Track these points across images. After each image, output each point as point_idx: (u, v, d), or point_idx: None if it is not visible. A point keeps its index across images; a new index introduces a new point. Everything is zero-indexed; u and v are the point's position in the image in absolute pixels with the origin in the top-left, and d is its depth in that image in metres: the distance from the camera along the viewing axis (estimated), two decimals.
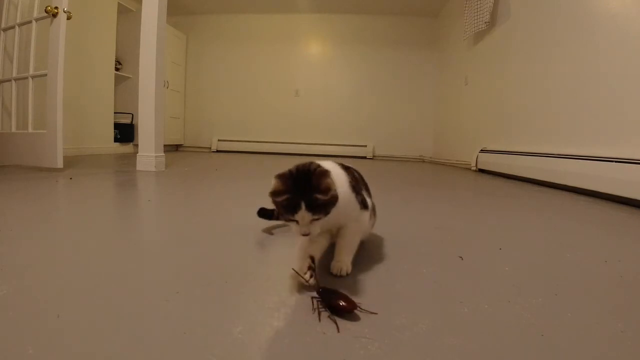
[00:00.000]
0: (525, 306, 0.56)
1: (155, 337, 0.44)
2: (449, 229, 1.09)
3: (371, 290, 0.60)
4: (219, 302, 0.54)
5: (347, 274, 0.65)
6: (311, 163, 0.60)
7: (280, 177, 0.56)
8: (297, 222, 0.56)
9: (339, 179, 0.62)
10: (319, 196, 0.54)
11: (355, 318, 0.50)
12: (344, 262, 0.66)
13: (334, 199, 0.56)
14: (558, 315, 0.54)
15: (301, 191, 0.55)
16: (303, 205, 0.54)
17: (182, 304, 0.53)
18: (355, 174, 0.74)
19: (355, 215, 0.65)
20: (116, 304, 0.52)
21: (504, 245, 0.92)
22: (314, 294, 0.54)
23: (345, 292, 0.54)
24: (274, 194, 0.56)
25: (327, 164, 0.65)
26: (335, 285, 0.57)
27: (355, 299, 0.52)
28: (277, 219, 0.99)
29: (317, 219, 0.56)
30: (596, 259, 0.83)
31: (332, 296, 0.51)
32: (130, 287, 0.59)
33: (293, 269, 0.61)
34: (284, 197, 0.55)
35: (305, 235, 0.57)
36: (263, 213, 0.98)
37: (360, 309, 0.50)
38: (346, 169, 0.69)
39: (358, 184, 0.70)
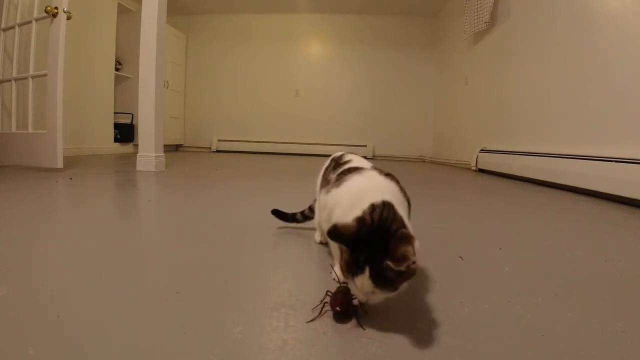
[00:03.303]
0: (525, 306, 0.56)
1: (155, 337, 0.44)
2: (449, 229, 1.09)
3: None
4: (219, 302, 0.54)
5: None
6: (394, 216, 0.47)
7: (358, 220, 0.47)
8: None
9: (404, 207, 0.54)
10: (391, 265, 0.43)
11: (342, 319, 0.49)
12: None
13: (409, 273, 0.44)
14: (558, 315, 0.54)
15: (372, 250, 0.45)
16: (367, 271, 0.44)
17: (182, 304, 0.53)
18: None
19: None
20: (116, 304, 0.52)
21: (504, 245, 0.91)
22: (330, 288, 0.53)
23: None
24: (336, 234, 0.46)
25: (387, 189, 0.54)
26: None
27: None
28: (294, 221, 0.96)
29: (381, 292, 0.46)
30: (596, 259, 0.83)
31: (338, 295, 0.51)
32: (130, 287, 0.59)
33: (331, 265, 0.56)
34: (347, 250, 0.46)
35: (363, 301, 0.48)
36: (278, 213, 0.97)
37: (357, 317, 0.49)
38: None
39: None
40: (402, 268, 0.42)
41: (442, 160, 4.65)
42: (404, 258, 0.42)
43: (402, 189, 0.58)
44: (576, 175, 1.99)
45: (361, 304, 0.51)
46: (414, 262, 0.43)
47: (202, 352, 0.41)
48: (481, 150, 3.39)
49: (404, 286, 0.46)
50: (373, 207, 0.48)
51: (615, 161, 1.73)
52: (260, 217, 1.09)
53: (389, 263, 0.43)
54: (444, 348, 0.44)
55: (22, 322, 0.46)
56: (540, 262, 0.80)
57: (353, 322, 0.48)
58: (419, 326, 0.48)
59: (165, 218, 1.14)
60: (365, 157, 0.77)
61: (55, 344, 0.41)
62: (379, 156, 5.43)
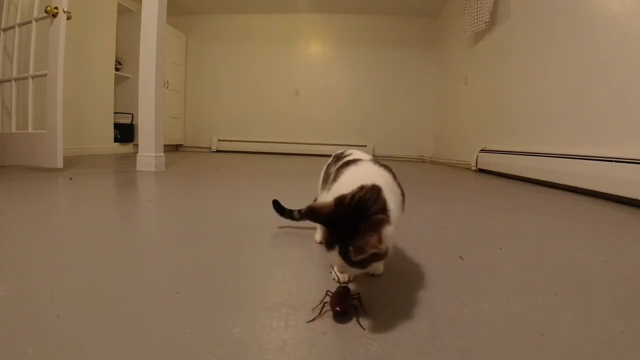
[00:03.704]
0: (525, 306, 0.56)
1: (155, 337, 0.44)
2: (449, 229, 1.09)
3: (372, 289, 0.60)
4: (219, 302, 0.54)
5: (381, 272, 0.66)
6: (377, 198, 0.48)
7: (337, 199, 0.48)
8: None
9: (396, 193, 0.55)
10: (352, 253, 0.44)
11: (342, 319, 0.49)
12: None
13: (379, 256, 0.46)
14: (558, 315, 0.54)
15: (346, 229, 0.46)
16: (337, 248, 0.47)
17: (182, 304, 0.53)
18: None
19: None
20: (116, 304, 0.52)
21: (504, 245, 0.91)
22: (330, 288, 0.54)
23: (358, 295, 0.53)
24: (312, 213, 0.48)
25: (377, 175, 0.56)
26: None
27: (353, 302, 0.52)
28: (290, 217, 0.97)
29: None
30: (596, 259, 0.83)
31: (337, 295, 0.51)
32: (130, 287, 0.59)
33: (331, 264, 0.58)
34: (324, 228, 0.48)
35: (340, 272, 0.54)
36: (277, 206, 0.97)
37: (357, 318, 0.49)
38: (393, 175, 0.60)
39: None
40: (363, 256, 0.43)
41: (442, 160, 4.65)
42: (362, 250, 0.43)
43: (395, 179, 0.59)
44: (576, 175, 1.99)
45: (361, 304, 0.52)
46: (382, 249, 0.43)
47: (202, 352, 0.41)
48: (481, 150, 3.39)
49: (378, 264, 0.51)
50: (361, 187, 0.49)
51: (615, 161, 1.73)
52: (261, 217, 1.09)
53: (351, 249, 0.44)
54: (444, 348, 0.44)
55: (22, 322, 0.46)
56: (540, 262, 0.80)
57: (353, 322, 0.48)
58: (419, 326, 0.48)
59: (165, 218, 1.14)
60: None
61: (55, 344, 0.41)
62: (379, 156, 5.43)
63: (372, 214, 0.47)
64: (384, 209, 0.48)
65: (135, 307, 0.52)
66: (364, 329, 0.47)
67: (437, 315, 0.52)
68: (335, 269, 0.59)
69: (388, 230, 0.45)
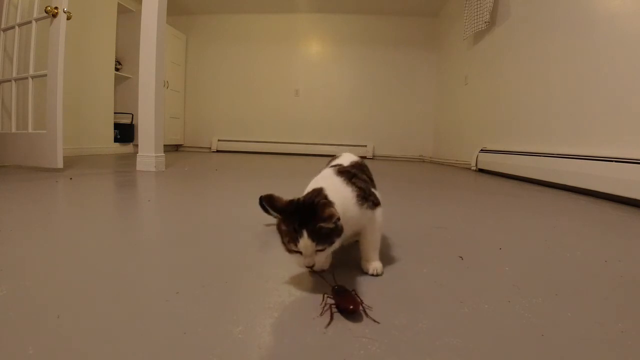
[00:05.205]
0: (525, 306, 0.56)
1: (156, 337, 0.44)
2: (449, 229, 1.09)
3: (371, 290, 0.60)
4: (219, 302, 0.54)
5: (381, 273, 0.66)
6: (319, 193, 0.58)
7: (289, 200, 0.57)
8: (300, 253, 0.54)
9: (345, 196, 0.61)
10: (323, 224, 0.52)
11: (356, 318, 0.50)
12: (376, 261, 0.67)
13: (338, 229, 0.55)
14: (558, 315, 0.54)
15: (304, 220, 0.54)
16: (305, 234, 0.53)
17: (182, 304, 0.53)
18: (357, 170, 0.71)
19: (369, 218, 0.65)
20: (116, 304, 0.52)
21: (504, 245, 0.91)
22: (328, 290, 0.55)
23: (355, 292, 0.54)
24: (270, 201, 0.56)
25: (326, 179, 0.65)
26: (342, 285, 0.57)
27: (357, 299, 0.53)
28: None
29: (322, 250, 0.54)
30: (596, 259, 0.83)
31: (342, 295, 0.51)
32: (130, 287, 0.59)
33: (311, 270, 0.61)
34: (284, 225, 0.55)
35: (309, 267, 0.55)
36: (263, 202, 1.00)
37: (366, 314, 0.50)
38: (349, 177, 0.66)
39: (365, 184, 0.67)
40: (332, 225, 0.53)
41: (442, 160, 4.65)
42: (330, 216, 0.51)
43: (348, 182, 0.65)
44: (576, 175, 1.99)
45: (367, 310, 0.52)
46: (338, 219, 0.53)
47: (202, 352, 0.41)
48: (481, 150, 3.39)
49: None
50: (308, 193, 0.59)
51: (615, 161, 1.73)
52: (260, 217, 1.09)
53: (322, 224, 0.52)
54: (444, 348, 0.44)
55: (22, 322, 0.46)
56: (540, 262, 0.80)
57: (353, 322, 0.48)
58: (419, 326, 0.48)
59: (165, 218, 1.14)
60: (364, 157, 0.81)
61: (55, 344, 0.41)
62: (379, 156, 5.43)
63: (318, 201, 0.55)
64: (326, 198, 0.57)
65: (136, 307, 0.52)
66: (379, 322, 0.48)
67: (437, 315, 0.52)
68: (304, 262, 0.56)
69: (337, 206, 0.54)
